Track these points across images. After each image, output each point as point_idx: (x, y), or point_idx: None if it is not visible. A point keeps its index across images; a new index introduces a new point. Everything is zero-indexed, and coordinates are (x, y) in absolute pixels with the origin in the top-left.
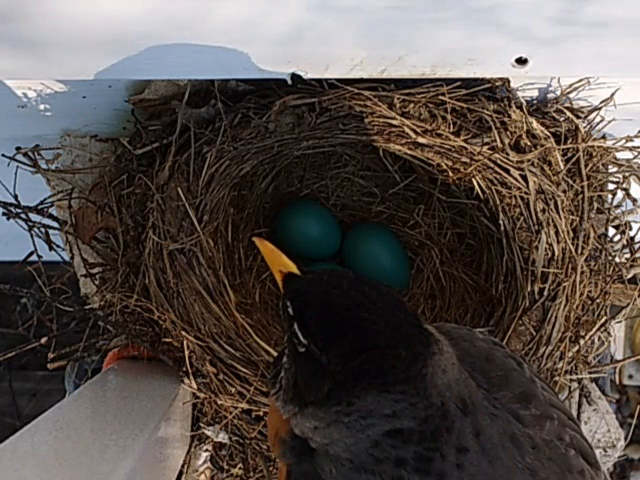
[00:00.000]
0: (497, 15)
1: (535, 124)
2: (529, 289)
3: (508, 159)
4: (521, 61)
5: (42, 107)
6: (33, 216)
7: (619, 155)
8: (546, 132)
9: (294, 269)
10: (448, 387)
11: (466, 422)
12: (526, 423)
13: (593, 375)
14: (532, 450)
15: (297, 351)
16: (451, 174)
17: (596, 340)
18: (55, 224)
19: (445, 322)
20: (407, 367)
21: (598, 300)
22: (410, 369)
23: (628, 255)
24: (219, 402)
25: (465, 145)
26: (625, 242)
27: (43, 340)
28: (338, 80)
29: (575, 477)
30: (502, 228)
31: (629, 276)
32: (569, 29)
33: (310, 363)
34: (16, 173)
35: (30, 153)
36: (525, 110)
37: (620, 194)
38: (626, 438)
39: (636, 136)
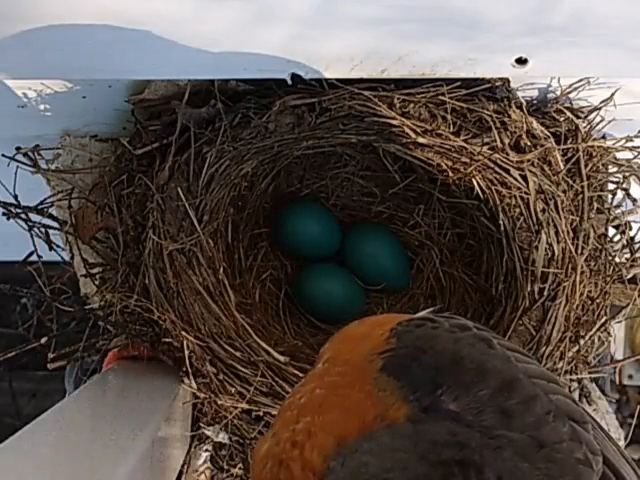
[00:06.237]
0: (497, 15)
1: (535, 124)
2: (529, 289)
3: (508, 159)
4: (521, 61)
5: (42, 107)
6: (33, 216)
7: (619, 155)
8: (546, 132)
9: None
10: None
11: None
12: (512, 414)
13: (593, 375)
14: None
15: None
16: (451, 174)
17: (596, 340)
18: (55, 224)
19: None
20: None
21: (598, 300)
22: None
23: (628, 255)
24: (219, 402)
25: (465, 145)
26: (625, 242)
27: (43, 340)
28: (338, 80)
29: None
30: (502, 228)
31: (629, 276)
32: (569, 29)
33: None
34: (16, 173)
35: (30, 153)
36: (525, 110)
37: (620, 194)
38: (626, 438)
39: (636, 136)
